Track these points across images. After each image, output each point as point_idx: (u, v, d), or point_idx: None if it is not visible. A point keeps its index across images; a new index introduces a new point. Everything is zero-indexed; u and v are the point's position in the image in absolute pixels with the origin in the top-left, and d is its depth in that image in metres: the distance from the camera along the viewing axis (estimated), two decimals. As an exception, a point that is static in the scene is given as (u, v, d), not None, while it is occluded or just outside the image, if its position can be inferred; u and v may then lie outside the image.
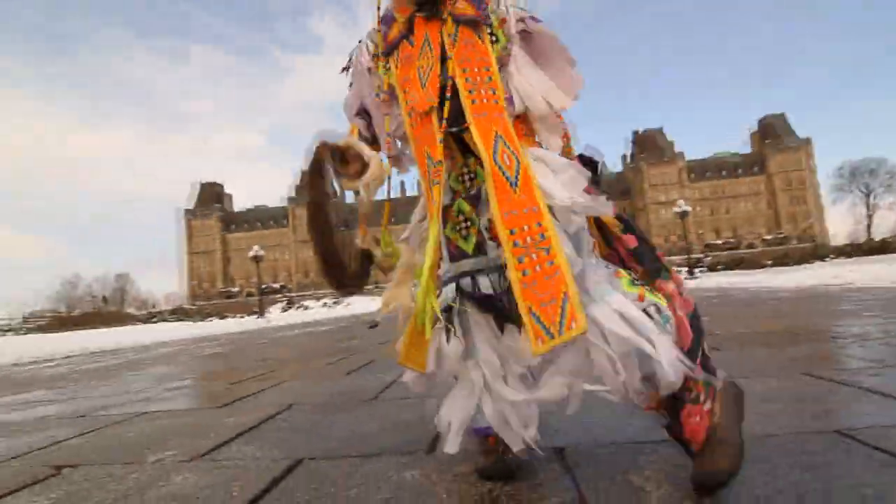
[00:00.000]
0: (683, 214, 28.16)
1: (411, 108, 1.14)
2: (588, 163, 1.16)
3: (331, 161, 1.11)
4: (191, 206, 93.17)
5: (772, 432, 1.23)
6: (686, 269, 26.53)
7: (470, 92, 1.09)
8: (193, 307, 53.61)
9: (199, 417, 2.01)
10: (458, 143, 1.12)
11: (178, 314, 42.62)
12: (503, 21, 1.13)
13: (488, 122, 1.07)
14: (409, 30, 1.17)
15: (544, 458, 1.13)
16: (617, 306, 0.95)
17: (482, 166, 1.06)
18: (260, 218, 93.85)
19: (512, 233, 1.00)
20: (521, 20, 1.13)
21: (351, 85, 1.27)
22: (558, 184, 1.02)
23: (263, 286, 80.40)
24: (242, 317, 20.60)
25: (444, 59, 1.11)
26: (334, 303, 50.49)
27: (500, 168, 1.04)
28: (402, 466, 1.20)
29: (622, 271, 1.02)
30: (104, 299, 64.47)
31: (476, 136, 1.06)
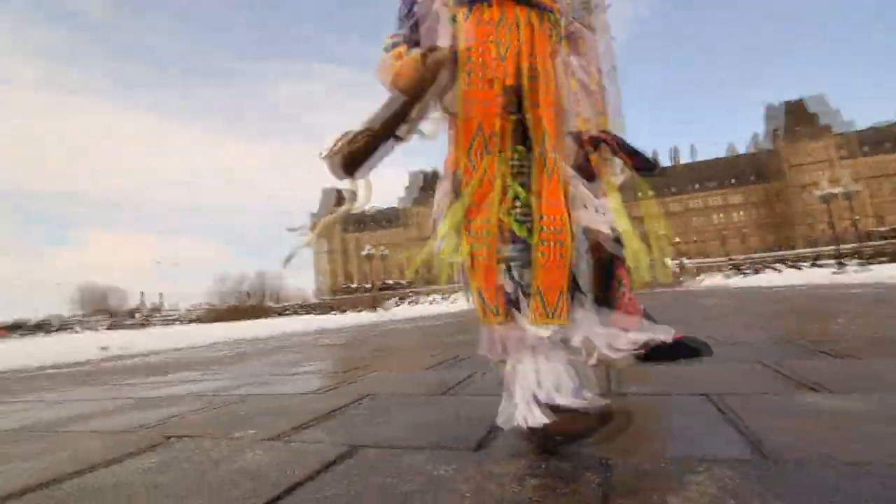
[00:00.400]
0: (828, 198, 24.20)
1: (482, 73, 1.15)
2: (642, 163, 1.26)
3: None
4: (315, 210, 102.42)
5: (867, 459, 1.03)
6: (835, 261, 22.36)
7: (545, 84, 1.15)
8: (319, 302, 58.92)
9: (294, 401, 2.21)
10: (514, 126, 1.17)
11: (307, 308, 47.02)
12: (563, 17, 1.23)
13: (544, 114, 1.15)
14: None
15: (582, 468, 1.07)
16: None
17: (531, 153, 1.14)
18: (376, 218, 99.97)
19: (542, 218, 1.10)
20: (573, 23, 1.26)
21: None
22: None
23: (381, 283, 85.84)
24: (360, 310, 22.10)
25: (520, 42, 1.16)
26: (443, 298, 52.17)
27: (544, 158, 1.12)
28: (441, 461, 1.21)
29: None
30: (248, 294, 73.59)
31: (540, 123, 1.14)
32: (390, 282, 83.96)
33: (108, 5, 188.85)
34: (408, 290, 62.87)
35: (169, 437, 1.69)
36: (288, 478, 1.19)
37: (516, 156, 1.16)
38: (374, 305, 19.13)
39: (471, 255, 1.16)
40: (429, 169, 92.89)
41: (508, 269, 1.14)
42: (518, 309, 1.15)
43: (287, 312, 41.67)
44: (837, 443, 1.13)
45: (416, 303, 50.69)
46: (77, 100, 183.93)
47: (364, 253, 23.72)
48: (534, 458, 1.17)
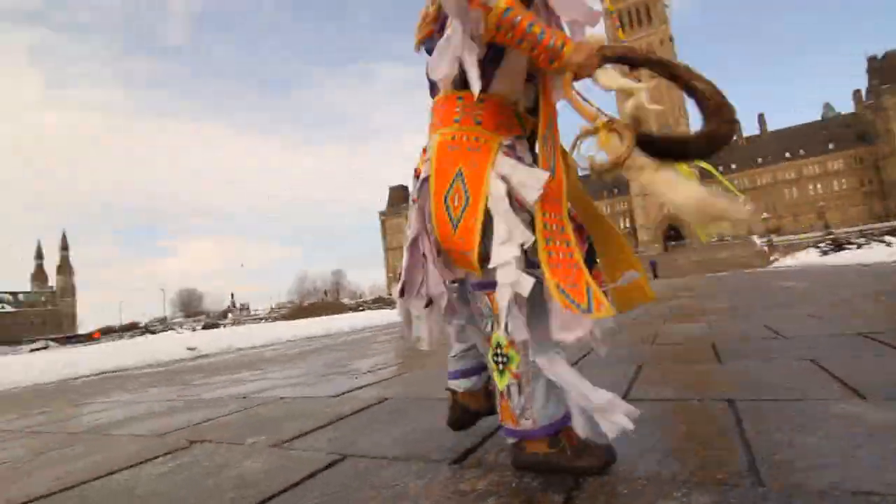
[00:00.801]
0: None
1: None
2: None
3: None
4: (384, 209, 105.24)
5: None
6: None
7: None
8: (390, 297, 60.67)
9: (314, 405, 2.29)
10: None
11: (379, 303, 48.59)
12: None
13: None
14: None
15: (552, 486, 1.01)
16: None
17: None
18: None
19: (544, 214, 1.07)
20: None
21: None
22: None
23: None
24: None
25: None
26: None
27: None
28: (418, 474, 1.20)
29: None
30: (325, 292, 77.40)
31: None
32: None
33: (187, 32, 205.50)
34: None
35: (192, 442, 1.80)
36: (273, 486, 1.23)
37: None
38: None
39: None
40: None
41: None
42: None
43: (360, 308, 43.27)
44: (855, 466, 0.98)
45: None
46: (168, 121, 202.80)
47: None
48: (507, 475, 1.12)
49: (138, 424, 2.31)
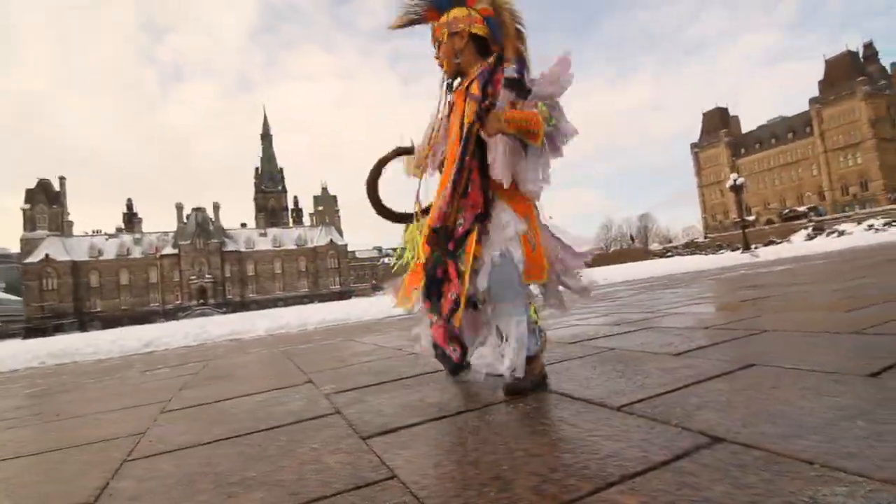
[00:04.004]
0: None
1: (450, 154, 1.73)
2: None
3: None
4: (696, 139, 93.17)
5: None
6: None
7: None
8: (706, 240, 54.71)
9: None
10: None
11: (691, 248, 44.85)
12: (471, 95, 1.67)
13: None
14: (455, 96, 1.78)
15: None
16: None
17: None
18: (775, 133, 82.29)
19: None
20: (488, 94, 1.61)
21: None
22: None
23: (786, 211, 71.04)
24: (738, 249, 20.00)
25: (462, 125, 1.66)
26: (887, 224, 38.59)
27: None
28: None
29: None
30: (631, 238, 75.69)
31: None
32: (802, 208, 68.31)
33: None
34: (826, 218, 50.01)
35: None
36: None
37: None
38: (745, 245, 17.08)
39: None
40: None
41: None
42: None
43: (669, 254, 41.14)
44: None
45: (841, 233, 39.80)
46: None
47: (729, 184, 20.63)
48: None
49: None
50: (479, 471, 1.04)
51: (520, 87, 1.56)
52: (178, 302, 72.72)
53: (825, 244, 20.83)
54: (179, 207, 79.47)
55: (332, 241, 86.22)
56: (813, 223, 45.38)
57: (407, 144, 2.00)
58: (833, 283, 4.55)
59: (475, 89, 1.62)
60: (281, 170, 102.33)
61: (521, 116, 1.51)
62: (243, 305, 69.07)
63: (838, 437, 0.98)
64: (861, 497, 0.76)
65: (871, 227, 39.24)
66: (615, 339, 2.60)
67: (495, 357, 1.57)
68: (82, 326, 58.82)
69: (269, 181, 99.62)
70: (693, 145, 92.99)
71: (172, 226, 79.17)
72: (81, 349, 7.63)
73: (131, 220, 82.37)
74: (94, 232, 77.08)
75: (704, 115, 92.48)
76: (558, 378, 1.80)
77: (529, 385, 1.61)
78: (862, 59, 73.08)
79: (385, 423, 1.48)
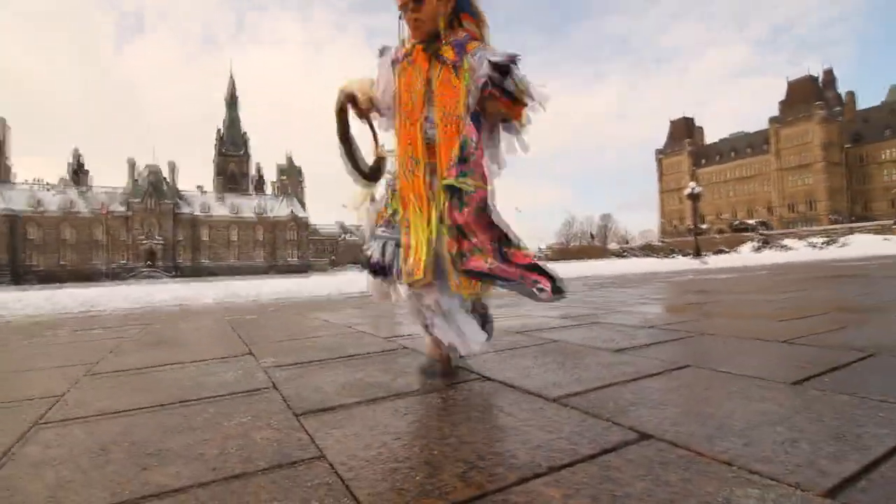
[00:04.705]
0: None
1: (405, 114, 1.61)
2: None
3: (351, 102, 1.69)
4: (661, 146, 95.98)
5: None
6: None
7: (442, 122, 1.56)
8: (661, 244, 56.82)
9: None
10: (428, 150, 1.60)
11: (646, 250, 46.48)
12: (470, 69, 1.54)
13: (447, 147, 1.55)
14: (412, 53, 1.63)
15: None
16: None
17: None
18: (735, 147, 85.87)
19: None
20: (488, 77, 1.49)
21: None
22: None
23: (736, 222, 74.60)
24: (689, 255, 20.86)
25: (428, 87, 1.58)
26: (825, 243, 41.27)
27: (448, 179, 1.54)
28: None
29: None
30: (592, 236, 77.68)
31: (439, 157, 1.57)
32: (751, 221, 71.82)
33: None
34: (772, 233, 52.82)
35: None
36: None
37: (430, 170, 1.58)
38: (696, 252, 17.85)
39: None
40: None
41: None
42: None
43: (625, 255, 42.49)
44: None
45: (786, 248, 42.21)
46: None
47: (687, 192, 21.46)
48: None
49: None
50: (409, 455, 1.02)
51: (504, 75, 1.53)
52: (126, 263, 69.43)
53: (770, 257, 22.09)
54: (132, 164, 75.45)
55: (293, 212, 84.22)
56: (762, 237, 47.86)
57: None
58: (771, 293, 4.80)
59: (450, 54, 1.58)
60: (245, 135, 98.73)
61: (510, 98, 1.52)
62: (195, 272, 66.61)
63: (758, 441, 1.02)
64: (771, 500, 0.78)
65: (811, 244, 41.86)
66: (560, 331, 2.64)
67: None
68: (16, 281, 55.24)
69: (231, 145, 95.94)
70: (658, 151, 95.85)
71: (123, 182, 75.12)
72: (9, 304, 7.15)
73: (78, 173, 77.45)
74: (35, 181, 72.05)
75: (671, 123, 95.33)
76: (502, 366, 1.81)
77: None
78: (821, 85, 76.93)
79: (322, 400, 1.44)
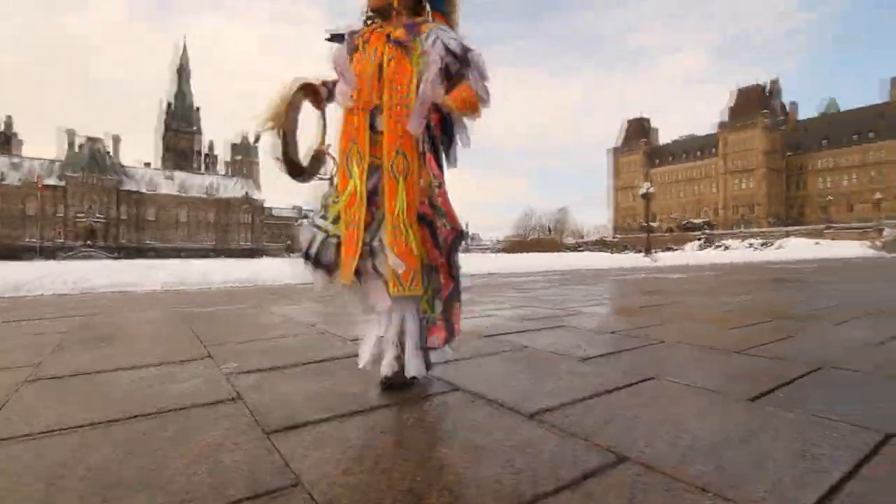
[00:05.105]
0: None
1: (354, 102, 1.52)
2: None
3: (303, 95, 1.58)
4: (618, 145, 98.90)
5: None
6: None
7: (390, 108, 1.48)
8: (614, 240, 58.86)
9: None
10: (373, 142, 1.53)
11: (600, 245, 47.96)
12: (423, 52, 1.49)
13: (396, 135, 1.48)
14: (368, 38, 1.56)
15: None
16: None
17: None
18: (687, 149, 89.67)
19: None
20: (442, 58, 1.47)
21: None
22: None
23: (685, 222, 78.27)
24: (640, 251, 21.76)
25: (380, 72, 1.51)
26: (763, 244, 44.10)
27: (393, 173, 1.50)
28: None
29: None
30: (549, 229, 79.36)
31: (384, 147, 1.49)
32: (698, 221, 75.45)
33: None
34: (716, 232, 55.70)
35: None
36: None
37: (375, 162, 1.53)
38: (647, 249, 18.63)
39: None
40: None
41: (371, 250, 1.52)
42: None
43: (580, 249, 43.66)
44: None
45: (726, 248, 44.73)
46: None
47: (641, 192, 22.34)
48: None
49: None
50: (390, 482, 1.00)
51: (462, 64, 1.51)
52: (61, 240, 64.99)
53: (713, 256, 23.34)
54: (71, 134, 70.29)
55: (247, 194, 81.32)
56: (705, 236, 50.39)
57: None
58: (719, 296, 5.06)
59: (401, 34, 1.52)
60: (197, 109, 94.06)
61: (465, 94, 1.48)
62: (139, 252, 63.28)
63: (727, 463, 1.06)
64: (748, 532, 0.81)
65: (750, 245, 44.53)
66: (527, 335, 2.67)
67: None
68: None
69: (181, 120, 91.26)
70: (615, 150, 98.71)
71: (60, 154, 69.94)
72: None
73: (9, 141, 71.49)
74: (-43, 147, 66.00)
75: (628, 122, 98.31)
76: (473, 375, 1.81)
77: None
78: (767, 94, 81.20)
79: (291, 415, 1.39)
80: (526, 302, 4.54)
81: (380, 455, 1.13)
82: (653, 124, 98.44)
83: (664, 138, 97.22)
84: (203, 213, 79.05)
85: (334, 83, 1.61)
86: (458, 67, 1.51)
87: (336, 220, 1.56)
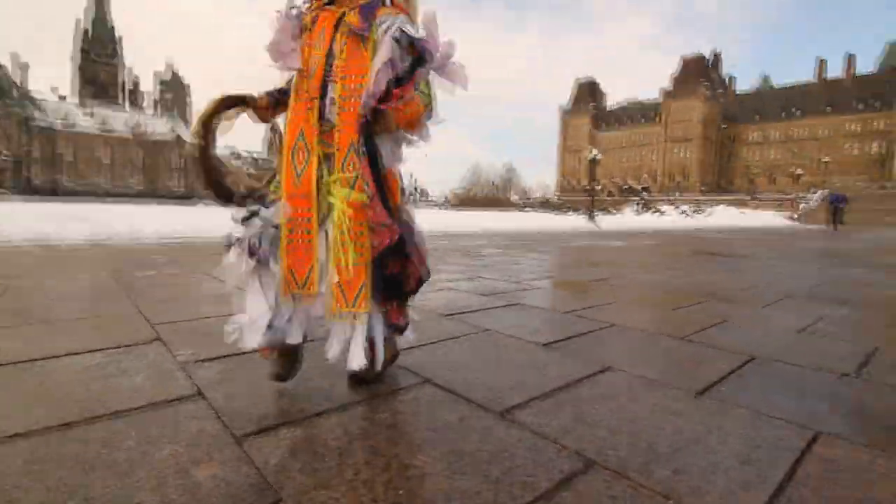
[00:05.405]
0: None
1: (301, 92, 1.40)
2: None
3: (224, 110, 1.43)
4: (566, 105, 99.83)
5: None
6: None
7: (343, 99, 1.36)
8: (558, 200, 60.54)
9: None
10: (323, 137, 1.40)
11: (545, 205, 49.12)
12: (377, 40, 1.36)
13: (349, 131, 1.36)
14: (316, 19, 1.41)
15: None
16: None
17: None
18: (632, 115, 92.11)
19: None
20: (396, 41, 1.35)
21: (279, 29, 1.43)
22: None
23: (625, 186, 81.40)
24: (581, 212, 22.62)
25: (329, 59, 1.37)
26: (694, 212, 47.01)
27: (344, 174, 1.39)
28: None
29: None
30: (496, 186, 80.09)
31: (337, 144, 1.37)
32: (637, 186, 78.73)
33: None
34: (652, 198, 58.50)
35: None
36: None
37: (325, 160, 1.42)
38: (591, 215, 19.36)
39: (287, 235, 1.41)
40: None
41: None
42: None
43: (526, 209, 44.52)
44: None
45: (661, 213, 47.16)
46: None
47: (589, 157, 23.01)
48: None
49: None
50: (374, 495, 1.01)
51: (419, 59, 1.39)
52: (-40, 178, 58.08)
53: (649, 221, 24.67)
54: (-35, 55, 61.58)
55: (178, 135, 75.52)
56: (643, 201, 52.84)
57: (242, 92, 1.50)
58: (659, 270, 5.38)
59: (355, 20, 1.36)
60: (119, 39, 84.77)
61: (410, 112, 1.38)
62: (54, 194, 57.79)
63: (684, 467, 1.15)
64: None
65: (683, 211, 47.29)
66: (487, 315, 2.73)
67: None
68: None
69: (99, 48, 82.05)
70: (563, 111, 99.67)
71: (-47, 77, 61.44)
72: None
73: None
74: None
75: (578, 84, 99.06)
76: (441, 364, 1.83)
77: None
78: (709, 65, 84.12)
79: (262, 416, 1.36)
80: (480, 272, 4.61)
81: (360, 465, 1.13)
82: (603, 88, 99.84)
83: (612, 102, 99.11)
84: (129, 154, 72.94)
85: (282, 92, 1.49)
86: (412, 65, 1.39)
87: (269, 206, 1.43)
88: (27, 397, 1.46)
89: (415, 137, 1.47)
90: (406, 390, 1.59)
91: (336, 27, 1.37)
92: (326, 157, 1.41)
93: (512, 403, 1.49)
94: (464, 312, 2.77)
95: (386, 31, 1.35)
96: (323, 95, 1.38)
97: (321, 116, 1.39)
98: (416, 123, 1.42)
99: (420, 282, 1.53)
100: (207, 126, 1.39)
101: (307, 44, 1.41)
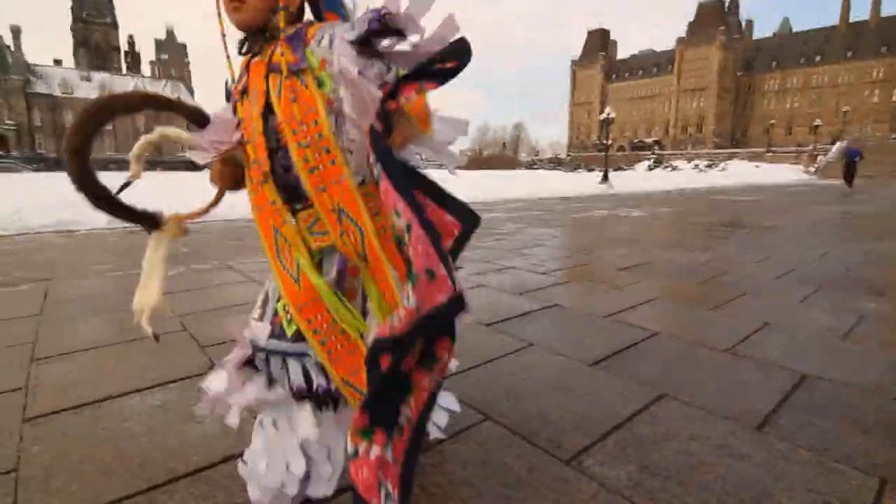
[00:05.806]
0: None
1: (251, 165, 1.11)
2: None
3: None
4: (577, 56, 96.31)
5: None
6: None
7: (305, 160, 1.02)
8: (569, 157, 59.43)
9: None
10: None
11: (554, 163, 48.38)
12: (323, 62, 1.01)
13: (329, 196, 1.03)
14: (245, 74, 1.11)
15: None
16: None
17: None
18: (644, 65, 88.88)
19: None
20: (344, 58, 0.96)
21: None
22: None
23: (636, 140, 79.62)
24: (593, 170, 22.30)
25: (266, 115, 1.05)
26: (707, 166, 45.98)
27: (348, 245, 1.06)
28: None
29: None
30: (504, 145, 78.71)
31: (320, 212, 1.04)
32: (649, 140, 76.93)
33: None
34: (665, 153, 57.25)
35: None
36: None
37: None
38: (605, 176, 19.04)
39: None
40: (720, -1, 75.22)
41: None
42: None
43: (535, 167, 43.90)
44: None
45: (674, 168, 46.21)
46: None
47: (602, 117, 22.37)
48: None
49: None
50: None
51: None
52: (-35, 149, 58.05)
53: (663, 179, 24.29)
54: (-42, 22, 60.20)
55: (179, 98, 74.23)
56: (655, 156, 51.81)
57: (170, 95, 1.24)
58: (684, 250, 5.32)
59: (285, 57, 1.03)
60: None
61: (417, 107, 0.94)
62: (59, 164, 57.70)
63: None
64: None
65: (696, 166, 46.35)
66: (528, 324, 2.73)
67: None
68: None
69: (92, 8, 79.74)
70: (573, 62, 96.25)
71: (-51, 45, 60.29)
72: None
73: None
74: None
75: (588, 33, 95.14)
76: (493, 392, 1.85)
77: None
78: (727, 10, 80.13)
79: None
80: (505, 258, 4.60)
81: (445, 537, 1.16)
82: (613, 36, 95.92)
83: (623, 52, 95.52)
84: (132, 120, 72.12)
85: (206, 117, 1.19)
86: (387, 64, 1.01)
87: (299, 338, 1.11)
88: (92, 456, 1.50)
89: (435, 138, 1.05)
90: (467, 433, 1.61)
91: (267, 76, 1.05)
92: (329, 249, 1.10)
93: (577, 448, 1.51)
94: (503, 320, 2.78)
95: (330, 44, 1.00)
96: (278, 165, 1.07)
97: (287, 191, 1.08)
98: (427, 120, 0.96)
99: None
100: (100, 116, 1.05)
101: (244, 108, 1.10)
